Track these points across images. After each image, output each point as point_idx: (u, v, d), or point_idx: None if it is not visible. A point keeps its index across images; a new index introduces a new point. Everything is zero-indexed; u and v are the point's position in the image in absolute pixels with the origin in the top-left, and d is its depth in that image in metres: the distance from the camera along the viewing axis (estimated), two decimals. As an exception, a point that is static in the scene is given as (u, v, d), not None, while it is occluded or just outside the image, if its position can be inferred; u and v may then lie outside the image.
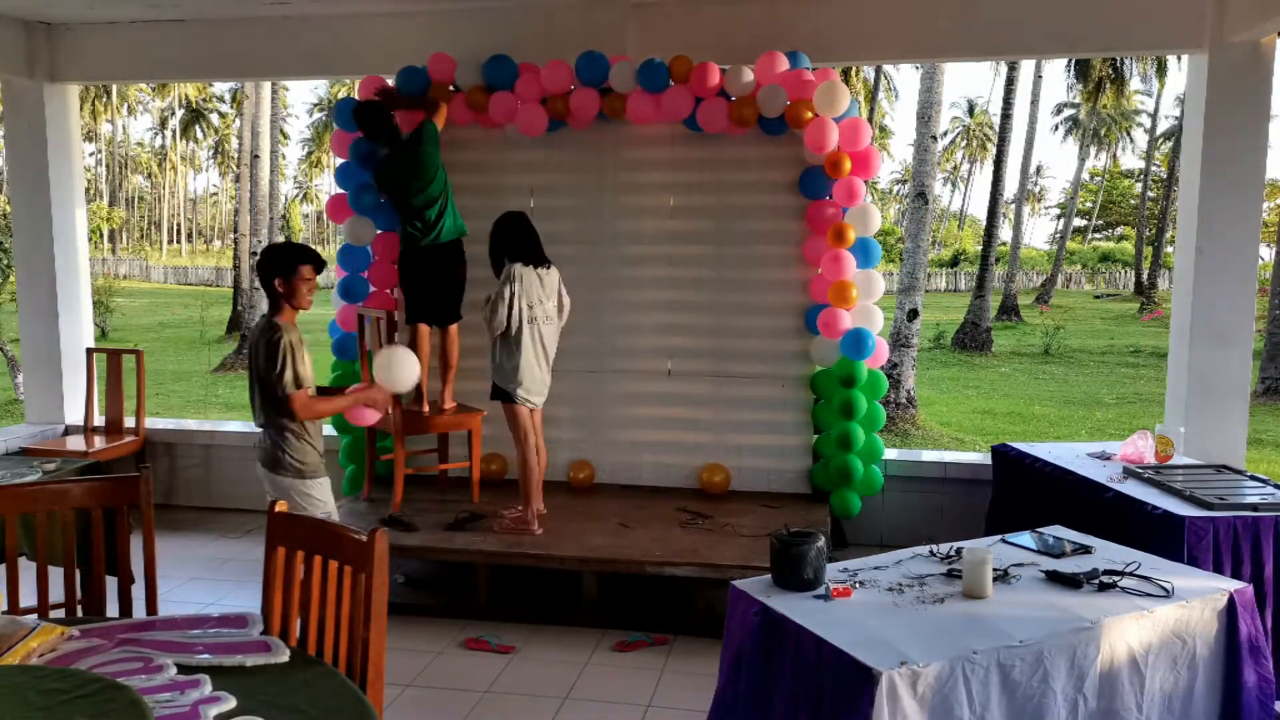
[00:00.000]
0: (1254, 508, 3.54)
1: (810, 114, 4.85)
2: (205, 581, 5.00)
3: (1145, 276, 30.72)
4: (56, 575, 2.93)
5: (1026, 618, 2.47)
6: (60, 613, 3.19)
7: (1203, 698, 2.66)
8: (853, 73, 26.81)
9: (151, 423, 6.40)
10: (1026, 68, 23.98)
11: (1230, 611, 2.66)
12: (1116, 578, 2.71)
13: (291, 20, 5.75)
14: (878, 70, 30.78)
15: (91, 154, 53.73)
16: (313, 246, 4.58)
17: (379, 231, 5.44)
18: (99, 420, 6.10)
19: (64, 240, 6.30)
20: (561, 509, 4.96)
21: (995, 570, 2.70)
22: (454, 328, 5.22)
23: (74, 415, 6.35)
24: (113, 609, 2.98)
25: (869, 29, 5.25)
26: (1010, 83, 18.82)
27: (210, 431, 6.38)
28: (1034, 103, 26.33)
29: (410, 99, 5.18)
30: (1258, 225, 4.95)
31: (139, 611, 2.92)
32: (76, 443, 5.82)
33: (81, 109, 6.58)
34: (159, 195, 60.21)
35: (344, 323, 5.44)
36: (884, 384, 5.17)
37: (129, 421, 6.04)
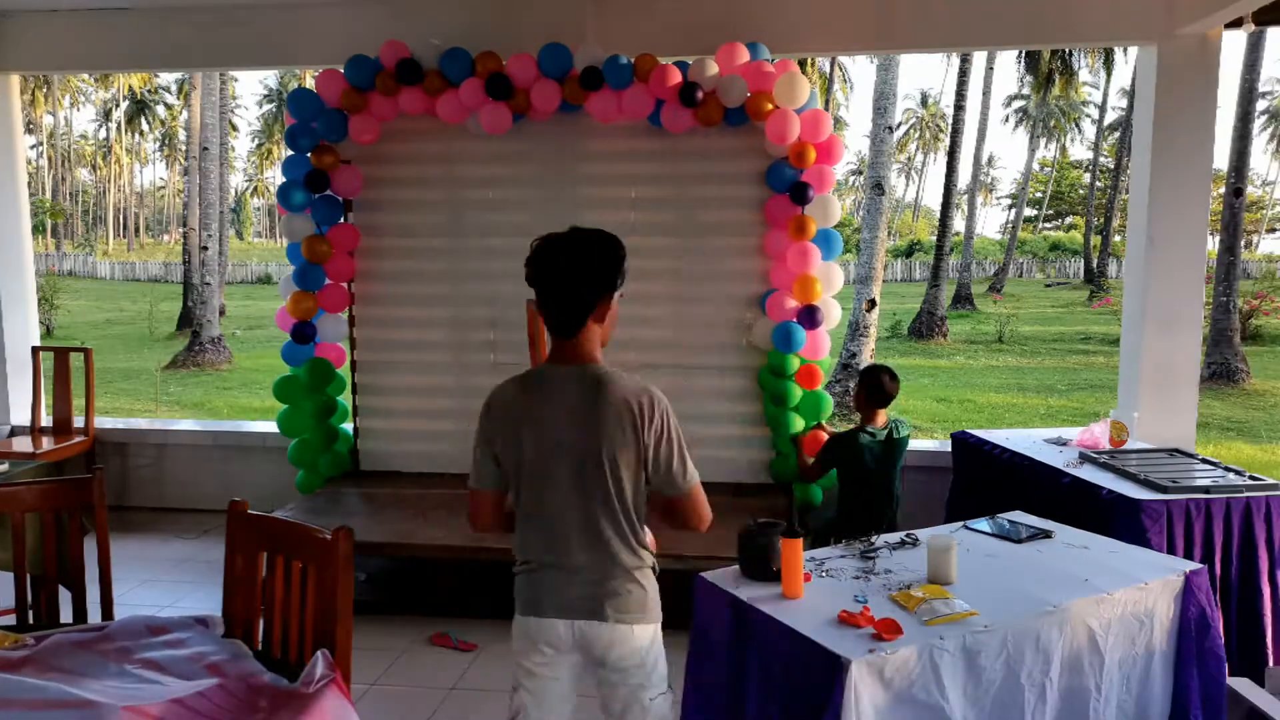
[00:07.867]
0: (1206, 490, 3.62)
1: (771, 105, 4.85)
2: (162, 583, 4.90)
3: (1094, 265, 31.35)
4: (6, 581, 2.84)
5: (991, 602, 2.50)
6: (10, 619, 3.09)
7: (1158, 674, 2.72)
8: (808, 64, 26.96)
9: (101, 422, 6.25)
10: (978, 60, 24.38)
11: (1186, 592, 2.72)
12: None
13: (240, 9, 5.61)
14: (833, 62, 31.03)
15: (32, 147, 52.32)
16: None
17: (327, 227, 5.33)
18: (46, 420, 5.94)
19: (6, 235, 6.12)
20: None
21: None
22: None
23: (20, 415, 6.17)
24: (66, 614, 2.90)
25: (827, 20, 5.27)
26: (963, 75, 19.08)
27: (163, 430, 6.25)
28: (985, 94, 26.76)
29: None
30: (1206, 214, 5.06)
31: (94, 616, 2.84)
32: (23, 444, 5.66)
33: (20, 99, 6.39)
34: (104, 189, 58.79)
35: (295, 313, 5.29)
36: (827, 367, 5.19)
37: (78, 421, 5.89)
